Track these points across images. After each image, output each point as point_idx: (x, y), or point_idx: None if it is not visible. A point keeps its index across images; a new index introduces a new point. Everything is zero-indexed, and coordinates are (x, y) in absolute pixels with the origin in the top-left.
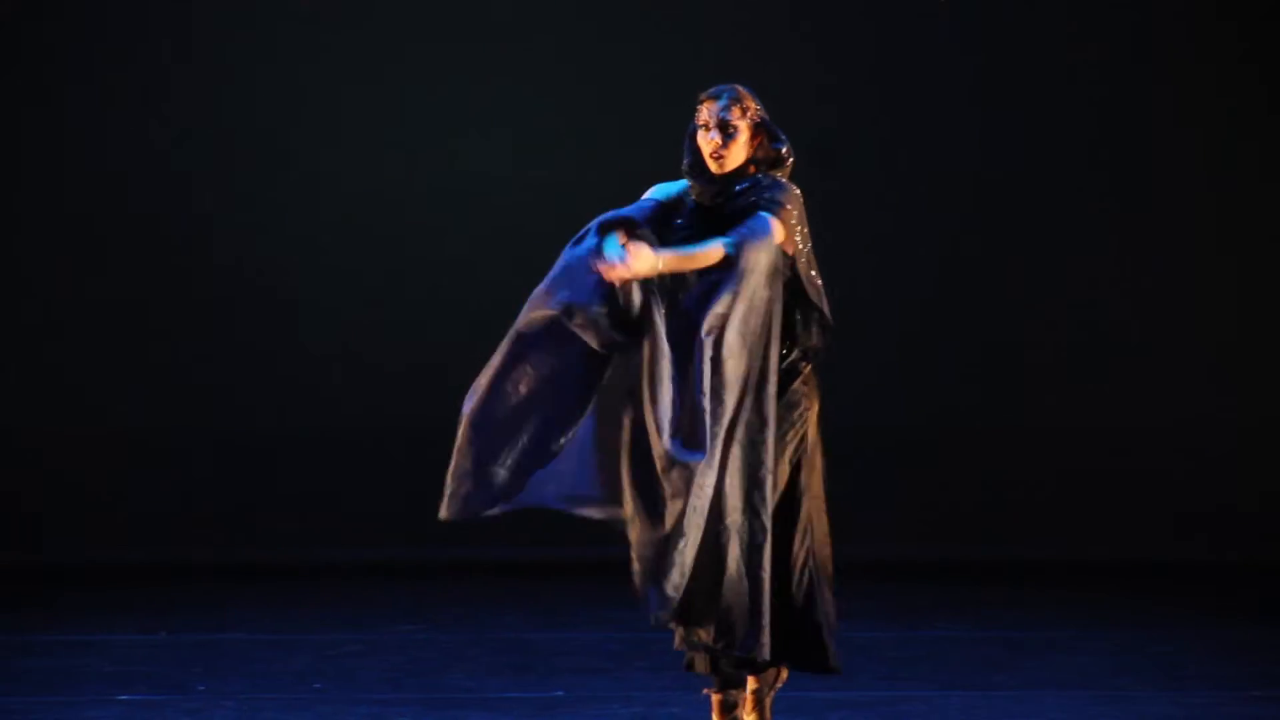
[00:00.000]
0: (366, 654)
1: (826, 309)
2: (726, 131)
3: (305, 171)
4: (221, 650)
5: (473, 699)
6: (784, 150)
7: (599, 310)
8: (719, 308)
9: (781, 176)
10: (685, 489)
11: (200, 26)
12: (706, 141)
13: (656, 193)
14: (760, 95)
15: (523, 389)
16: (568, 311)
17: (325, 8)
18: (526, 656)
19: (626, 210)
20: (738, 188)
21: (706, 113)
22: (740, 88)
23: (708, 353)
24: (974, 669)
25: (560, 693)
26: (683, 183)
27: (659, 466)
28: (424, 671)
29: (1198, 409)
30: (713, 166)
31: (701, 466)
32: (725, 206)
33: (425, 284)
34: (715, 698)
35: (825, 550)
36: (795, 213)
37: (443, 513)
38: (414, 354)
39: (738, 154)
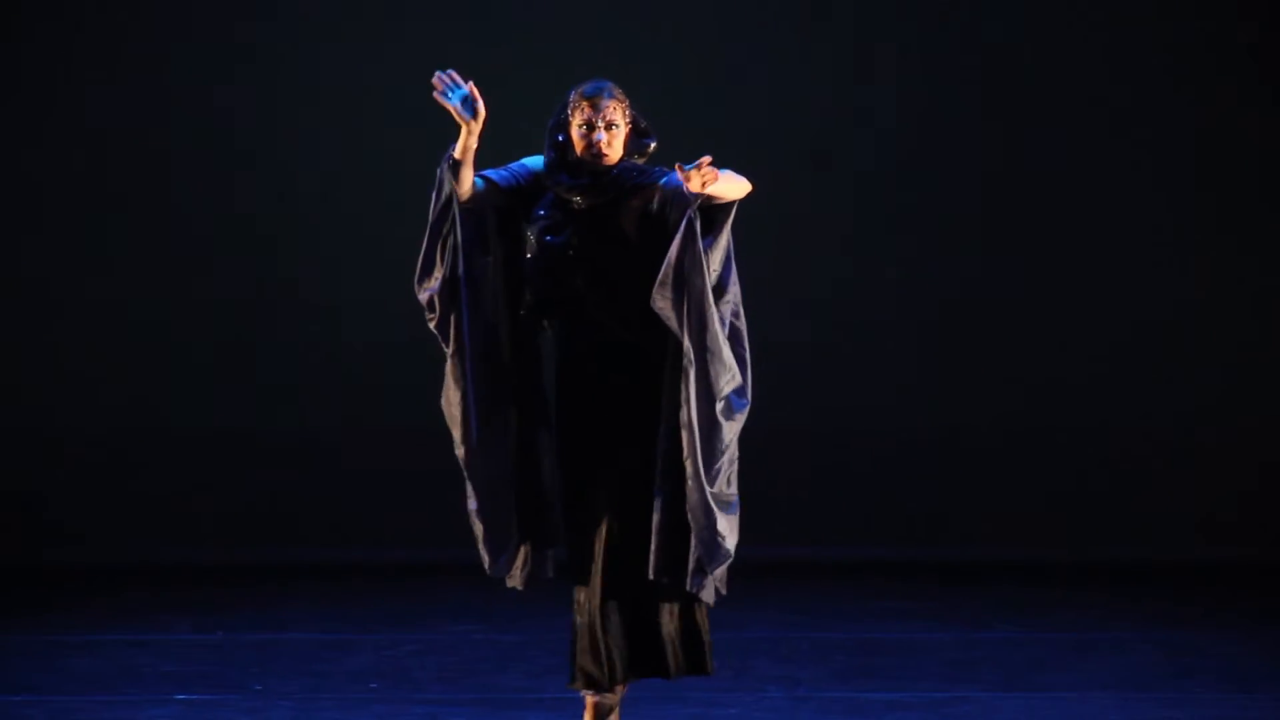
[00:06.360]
0: (423, 654)
1: None
2: (612, 131)
3: (348, 169)
4: (278, 650)
5: (529, 699)
6: (651, 146)
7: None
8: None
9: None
10: None
11: (246, 29)
12: (589, 141)
13: (530, 162)
14: (758, 97)
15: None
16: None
17: (383, 9)
18: None
19: (495, 171)
20: (614, 175)
21: (590, 111)
22: (613, 84)
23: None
24: (1034, 670)
25: None
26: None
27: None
28: (481, 671)
29: (1260, 409)
30: (593, 164)
31: None
32: (608, 206)
33: None
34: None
35: None
36: None
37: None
38: None
39: (618, 150)
